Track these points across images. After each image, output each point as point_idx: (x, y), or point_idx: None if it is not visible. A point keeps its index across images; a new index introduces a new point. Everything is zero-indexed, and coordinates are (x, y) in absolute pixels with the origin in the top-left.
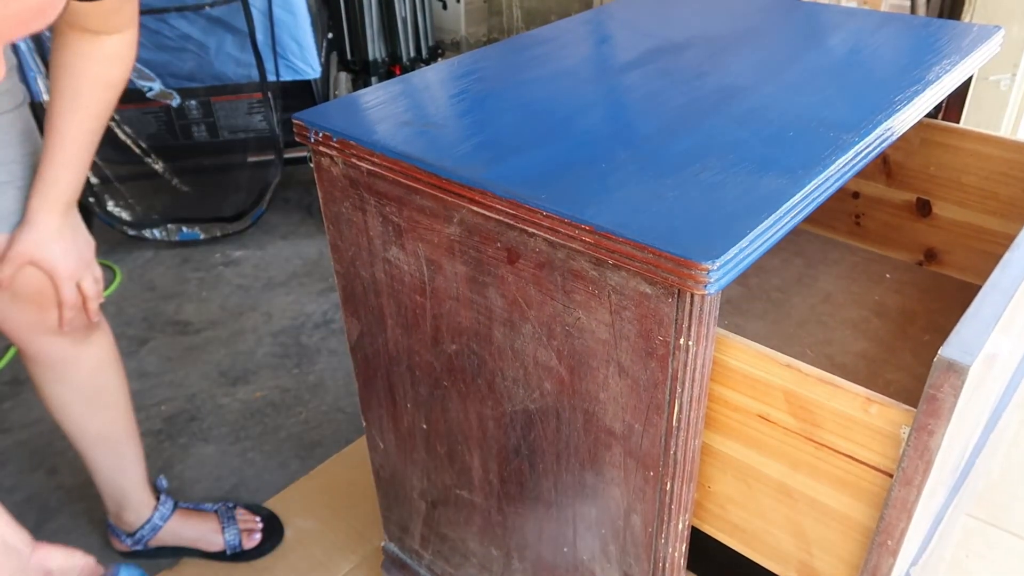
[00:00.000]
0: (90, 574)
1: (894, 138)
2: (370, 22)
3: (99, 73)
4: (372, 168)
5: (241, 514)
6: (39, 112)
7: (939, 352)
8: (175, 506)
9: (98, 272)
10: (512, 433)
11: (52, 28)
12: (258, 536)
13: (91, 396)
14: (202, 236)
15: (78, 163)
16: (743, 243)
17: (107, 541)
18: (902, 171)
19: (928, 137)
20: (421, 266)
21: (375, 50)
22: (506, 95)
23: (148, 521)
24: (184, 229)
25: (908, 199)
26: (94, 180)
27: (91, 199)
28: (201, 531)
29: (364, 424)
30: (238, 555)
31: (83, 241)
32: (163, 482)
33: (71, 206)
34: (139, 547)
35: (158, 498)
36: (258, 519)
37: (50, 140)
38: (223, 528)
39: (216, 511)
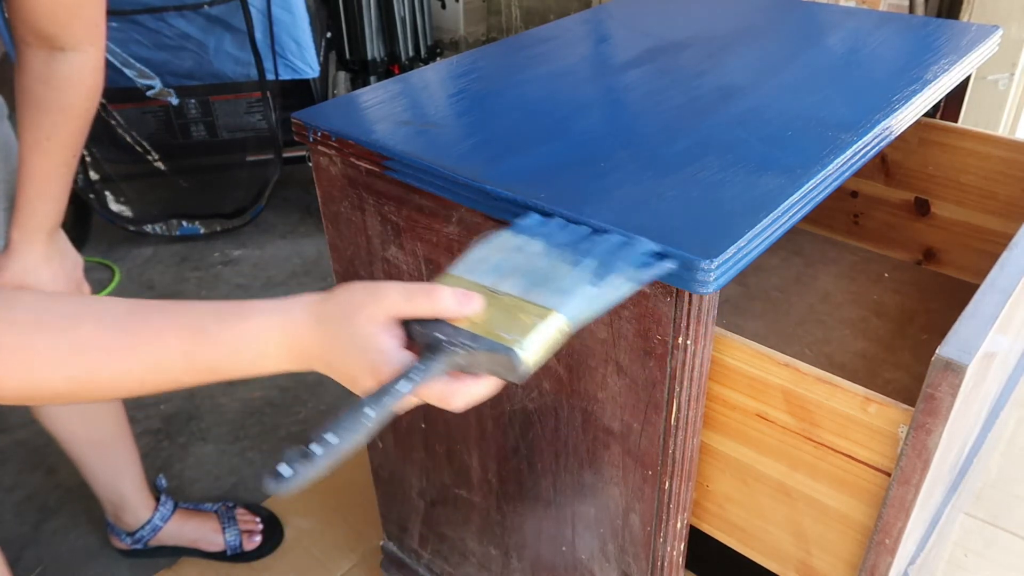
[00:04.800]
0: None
1: (892, 137)
2: (369, 21)
3: (59, 101)
4: (371, 167)
5: (241, 515)
6: None
7: (937, 351)
8: (175, 506)
9: (87, 288)
10: (511, 432)
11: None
12: (258, 538)
13: (82, 405)
14: (202, 231)
15: (54, 193)
16: (742, 242)
17: (107, 540)
18: (900, 170)
19: (926, 136)
20: (420, 265)
21: (374, 49)
22: (505, 94)
23: (148, 522)
24: (184, 224)
25: (907, 198)
26: (94, 177)
27: (91, 196)
28: (201, 531)
29: None
30: (238, 556)
31: (71, 263)
32: (163, 482)
33: (55, 231)
34: (139, 546)
35: (158, 498)
36: (258, 520)
37: (22, 173)
38: (223, 528)
39: (216, 511)
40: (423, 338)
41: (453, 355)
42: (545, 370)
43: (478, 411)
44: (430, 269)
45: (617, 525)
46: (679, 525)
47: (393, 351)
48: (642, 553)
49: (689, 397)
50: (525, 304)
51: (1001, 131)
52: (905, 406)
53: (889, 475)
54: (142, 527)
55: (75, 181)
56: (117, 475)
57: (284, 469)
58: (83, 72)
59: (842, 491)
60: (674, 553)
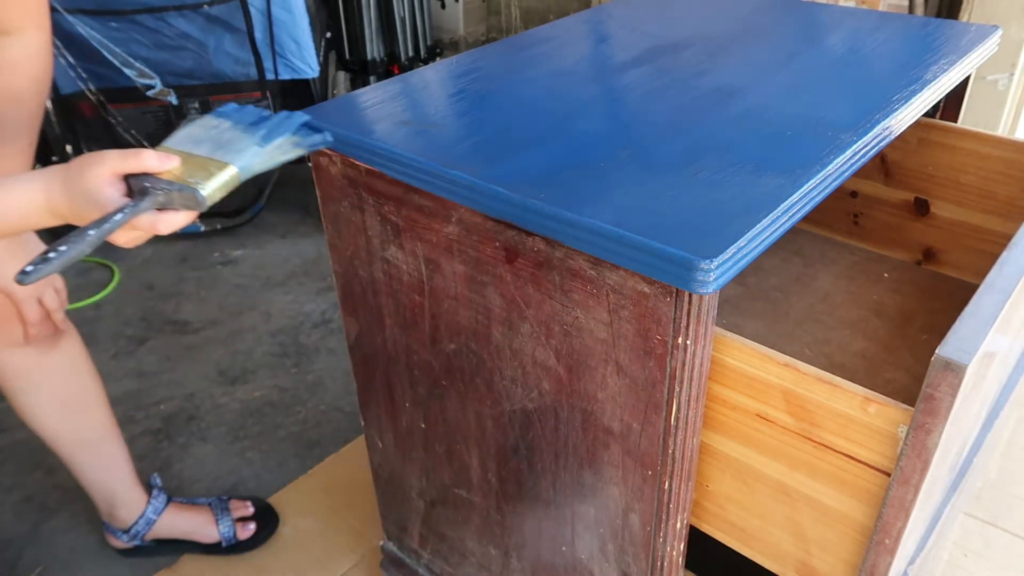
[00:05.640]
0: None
1: (892, 137)
2: (368, 21)
3: (8, 88)
4: (370, 167)
5: (235, 505)
6: None
7: (936, 351)
8: (168, 500)
9: (59, 283)
10: (510, 432)
11: None
12: (252, 526)
13: (65, 402)
14: (203, 228)
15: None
16: (741, 242)
17: (105, 540)
18: (900, 170)
19: (926, 136)
20: (419, 265)
21: (373, 49)
22: (504, 94)
23: (142, 516)
24: None
25: (906, 198)
26: None
27: None
28: (196, 523)
29: (363, 423)
30: (234, 547)
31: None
32: (157, 479)
33: None
34: (136, 542)
35: (151, 494)
36: (249, 504)
37: None
38: (217, 520)
39: (210, 504)
40: (137, 186)
41: (156, 196)
42: (545, 370)
43: (478, 411)
44: (430, 269)
45: (617, 525)
46: (679, 525)
47: (115, 198)
48: (642, 553)
49: (689, 397)
50: (210, 161)
51: (1001, 131)
52: (905, 406)
53: (889, 475)
54: (136, 522)
55: None
56: (107, 472)
57: (28, 267)
58: (30, 56)
59: (842, 491)
60: (674, 553)
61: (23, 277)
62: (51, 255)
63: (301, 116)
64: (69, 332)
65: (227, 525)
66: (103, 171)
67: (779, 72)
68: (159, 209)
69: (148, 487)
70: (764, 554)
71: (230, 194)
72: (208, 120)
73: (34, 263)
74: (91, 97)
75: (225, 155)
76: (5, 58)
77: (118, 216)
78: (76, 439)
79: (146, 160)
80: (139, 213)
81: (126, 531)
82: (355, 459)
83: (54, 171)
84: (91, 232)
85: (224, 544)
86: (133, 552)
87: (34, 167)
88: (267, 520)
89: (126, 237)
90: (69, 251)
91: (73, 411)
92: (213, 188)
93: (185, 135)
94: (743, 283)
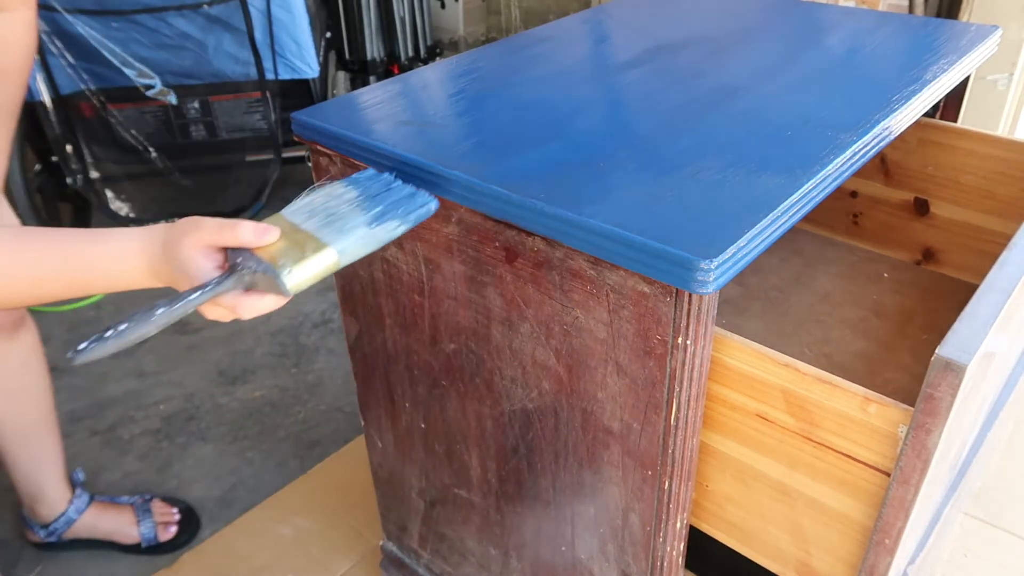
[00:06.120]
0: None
1: (892, 137)
2: (368, 21)
3: None
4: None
5: (157, 506)
6: (38, 112)
7: (936, 351)
8: (91, 499)
9: None
10: (510, 432)
11: None
12: (174, 528)
13: (13, 393)
14: None
15: None
16: (741, 242)
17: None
18: (900, 170)
19: (926, 136)
20: (419, 265)
21: (373, 49)
22: (504, 94)
23: (63, 514)
24: None
25: (906, 198)
26: (94, 175)
27: (91, 194)
28: (116, 524)
29: (363, 423)
30: (153, 548)
31: None
32: (80, 475)
33: None
34: (53, 539)
35: (74, 491)
36: (175, 511)
37: None
38: (138, 521)
39: (132, 504)
40: (231, 260)
41: (242, 275)
42: (545, 370)
43: (478, 411)
44: (430, 269)
45: (617, 525)
46: (679, 525)
47: (204, 270)
48: (642, 553)
49: (689, 397)
50: (311, 239)
51: (1001, 131)
52: (905, 406)
53: (889, 475)
54: (56, 519)
55: (75, 180)
56: (38, 467)
57: (82, 345)
58: (18, 32)
59: (842, 491)
60: (674, 553)
61: (75, 355)
62: (108, 333)
63: (425, 197)
64: (28, 324)
65: (148, 526)
66: (198, 240)
67: (779, 72)
68: (248, 289)
69: (71, 483)
70: (764, 554)
71: (229, 193)
72: (334, 188)
73: (90, 340)
74: (91, 97)
75: (329, 233)
76: None
77: (193, 295)
78: (17, 431)
79: (241, 233)
80: (219, 293)
81: (45, 527)
82: (355, 459)
83: (154, 232)
84: (159, 311)
85: (144, 545)
86: (48, 546)
87: (34, 166)
88: (188, 523)
89: (213, 313)
90: (129, 330)
91: (19, 403)
92: (301, 276)
93: (306, 203)
94: (743, 283)
